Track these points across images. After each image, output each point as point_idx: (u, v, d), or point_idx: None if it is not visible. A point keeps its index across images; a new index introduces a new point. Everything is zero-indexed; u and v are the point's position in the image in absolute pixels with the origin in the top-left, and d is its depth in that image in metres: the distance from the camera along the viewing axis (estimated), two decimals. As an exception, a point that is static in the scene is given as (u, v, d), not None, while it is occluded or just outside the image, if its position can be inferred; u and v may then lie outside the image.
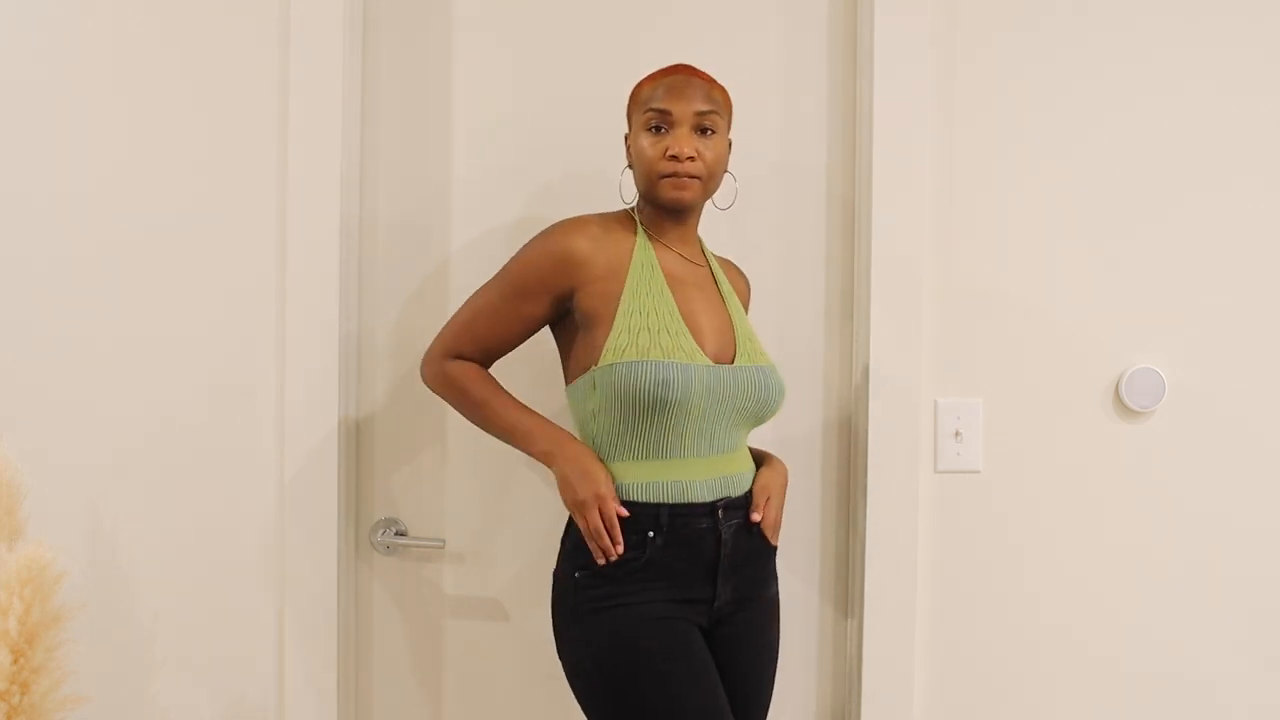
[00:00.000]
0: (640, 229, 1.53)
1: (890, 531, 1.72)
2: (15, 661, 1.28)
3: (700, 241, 1.60)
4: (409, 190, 1.87)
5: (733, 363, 1.49)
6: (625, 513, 1.41)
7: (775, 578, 1.58)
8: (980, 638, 1.75)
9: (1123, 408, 1.72)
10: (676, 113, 1.46)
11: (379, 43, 1.86)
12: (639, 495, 1.44)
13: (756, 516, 1.48)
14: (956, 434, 1.73)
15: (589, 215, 1.54)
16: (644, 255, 1.50)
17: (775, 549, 1.55)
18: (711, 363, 1.46)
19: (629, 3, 1.82)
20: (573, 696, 1.59)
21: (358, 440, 1.87)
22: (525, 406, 1.52)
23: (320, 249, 1.79)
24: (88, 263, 1.84)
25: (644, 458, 1.45)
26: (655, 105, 1.48)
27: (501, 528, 1.85)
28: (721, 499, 1.47)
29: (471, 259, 1.85)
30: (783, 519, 1.56)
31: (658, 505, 1.43)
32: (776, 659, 1.58)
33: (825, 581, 1.81)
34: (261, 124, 1.81)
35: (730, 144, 1.55)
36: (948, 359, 1.74)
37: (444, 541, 1.84)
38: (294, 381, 1.79)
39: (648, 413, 1.41)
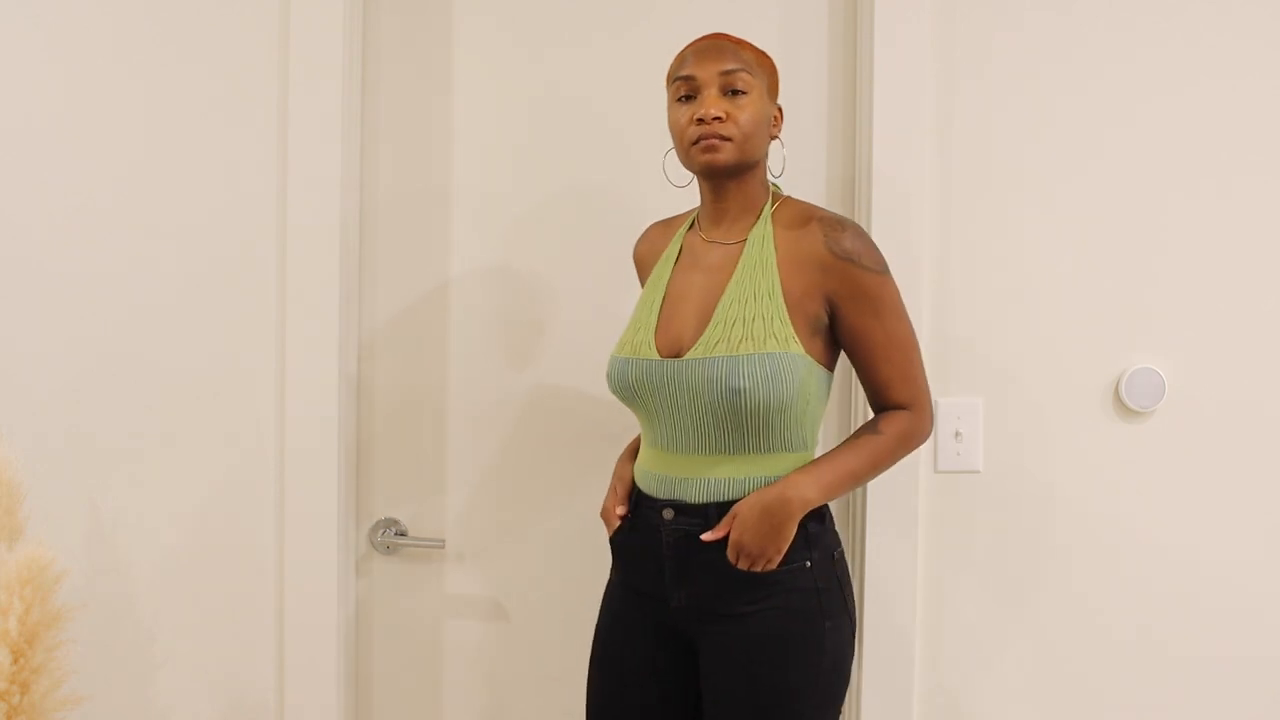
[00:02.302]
0: (692, 219, 1.55)
1: (890, 531, 1.72)
2: (15, 661, 1.28)
3: (766, 213, 1.46)
4: (409, 189, 1.87)
5: (682, 355, 1.41)
6: (622, 510, 1.50)
7: (778, 609, 1.39)
8: (980, 637, 1.75)
9: (1123, 408, 1.72)
10: (701, 76, 1.41)
11: (379, 42, 1.87)
12: (637, 476, 1.51)
13: (706, 536, 1.39)
14: (956, 434, 1.73)
15: (662, 220, 1.62)
16: (671, 248, 1.53)
17: (759, 575, 1.38)
18: (659, 356, 1.43)
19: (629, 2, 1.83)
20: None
21: (358, 440, 1.87)
22: (631, 451, 1.59)
23: (320, 249, 1.79)
24: (87, 263, 1.84)
25: (644, 443, 1.51)
26: (680, 74, 1.43)
27: (501, 528, 1.85)
28: (670, 500, 1.43)
29: (472, 257, 1.85)
30: (775, 548, 1.37)
31: (634, 490, 1.50)
32: (770, 695, 1.38)
33: (825, 581, 1.81)
34: (261, 124, 1.81)
35: (781, 111, 1.50)
36: (948, 359, 1.74)
37: (444, 541, 1.84)
38: (294, 382, 1.80)
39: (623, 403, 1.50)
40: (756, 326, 1.38)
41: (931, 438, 1.73)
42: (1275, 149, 1.70)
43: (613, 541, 1.51)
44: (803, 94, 1.80)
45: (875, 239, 1.70)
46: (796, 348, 1.38)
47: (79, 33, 1.83)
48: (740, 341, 1.37)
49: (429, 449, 1.87)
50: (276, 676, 1.83)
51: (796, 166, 1.80)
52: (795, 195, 1.79)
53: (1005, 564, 1.74)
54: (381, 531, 1.87)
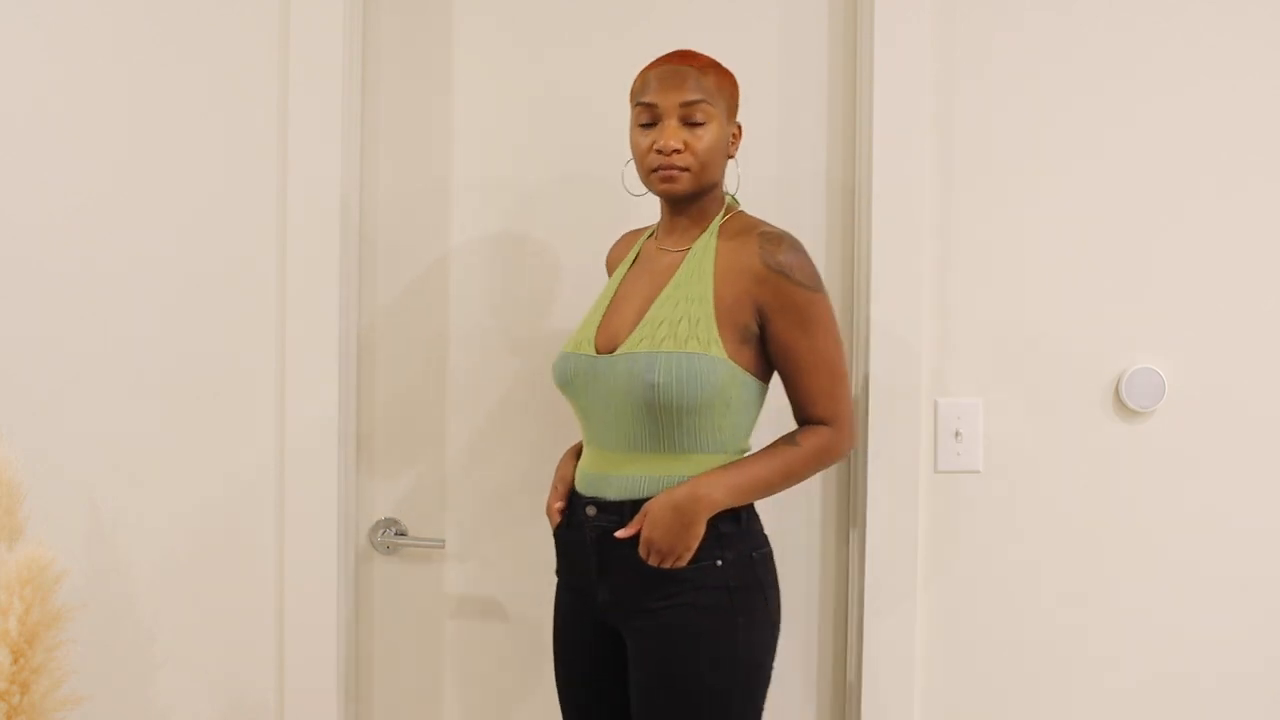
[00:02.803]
0: (654, 228, 1.60)
1: (890, 531, 1.72)
2: (15, 661, 1.28)
3: (715, 225, 1.50)
4: (409, 189, 1.87)
5: (613, 352, 1.46)
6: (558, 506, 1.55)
7: (687, 605, 1.42)
8: (980, 637, 1.75)
9: (1123, 408, 1.72)
10: (663, 105, 1.45)
11: (379, 42, 1.87)
12: (575, 474, 1.55)
13: (619, 533, 1.43)
14: (956, 434, 1.73)
15: (634, 229, 1.67)
16: (631, 254, 1.60)
17: (670, 572, 1.41)
18: (594, 353, 1.48)
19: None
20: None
21: (358, 440, 1.87)
22: (575, 450, 1.62)
23: (320, 249, 1.79)
24: (87, 263, 1.84)
25: (583, 441, 1.56)
26: (643, 100, 1.47)
27: (501, 528, 1.85)
28: (594, 497, 1.47)
29: (472, 258, 1.85)
30: (684, 545, 1.39)
31: (573, 488, 1.54)
32: (680, 692, 1.41)
33: (825, 582, 1.81)
34: (261, 124, 1.81)
35: (740, 129, 1.54)
36: (948, 359, 1.74)
37: (444, 541, 1.84)
38: (294, 381, 1.80)
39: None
40: (682, 328, 1.42)
41: (932, 438, 1.73)
42: (1276, 149, 1.70)
43: (555, 539, 1.56)
44: (803, 94, 1.80)
45: (875, 239, 1.71)
46: (718, 351, 1.41)
47: (79, 33, 1.83)
48: (663, 340, 1.42)
49: (429, 449, 1.87)
50: (276, 676, 1.83)
51: (796, 166, 1.80)
52: (796, 194, 1.80)
53: (1005, 564, 1.74)
54: (381, 531, 1.87)
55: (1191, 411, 1.72)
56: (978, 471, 1.74)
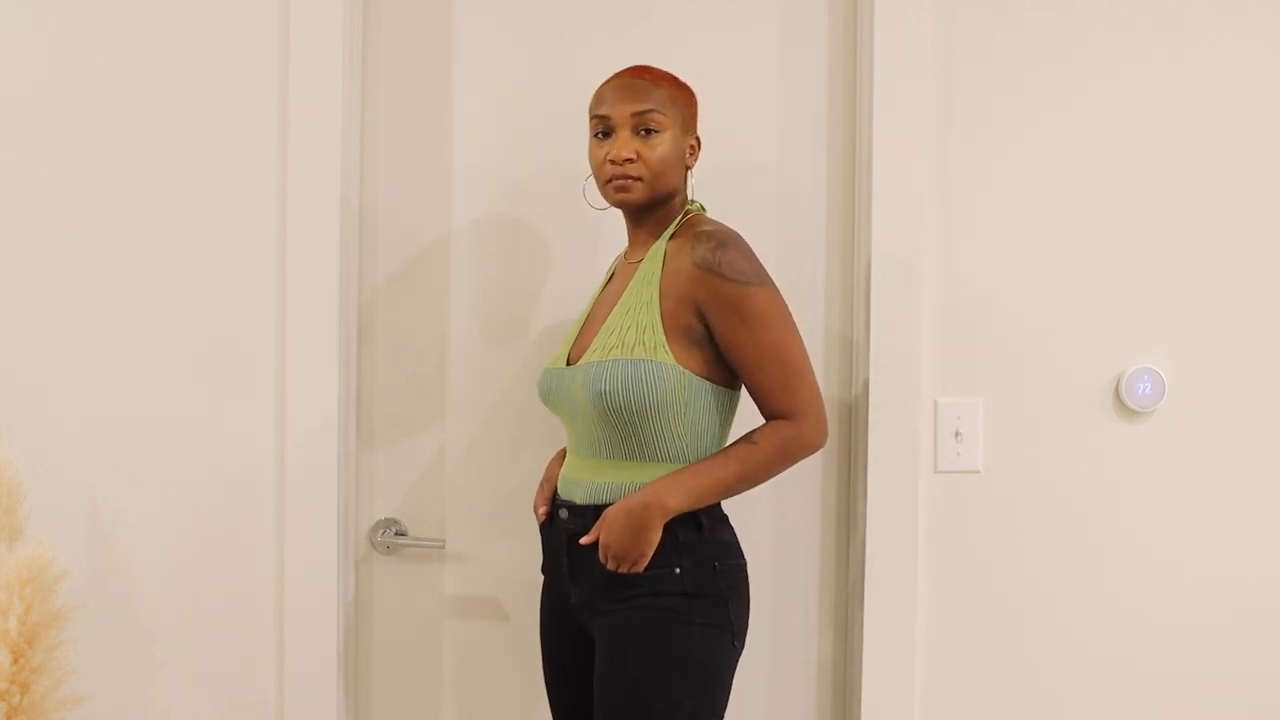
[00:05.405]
0: None
1: (890, 531, 1.72)
2: (15, 661, 1.28)
3: (669, 232, 1.51)
4: (409, 189, 1.87)
5: (574, 363, 1.51)
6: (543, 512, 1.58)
7: (641, 607, 1.42)
8: (980, 638, 1.75)
9: (1123, 408, 1.72)
10: (614, 117, 1.48)
11: (379, 42, 1.87)
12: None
13: (582, 539, 1.45)
14: (956, 434, 1.73)
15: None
16: (609, 271, 1.64)
17: (627, 576, 1.42)
18: (565, 366, 1.52)
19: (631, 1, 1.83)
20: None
21: (358, 441, 1.87)
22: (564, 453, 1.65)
23: (320, 249, 1.79)
24: (87, 263, 1.84)
25: None
26: (596, 112, 1.51)
27: (501, 528, 1.85)
28: (566, 501, 1.51)
29: (472, 258, 1.85)
30: (638, 550, 1.40)
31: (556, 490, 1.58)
32: (632, 690, 1.41)
33: (825, 582, 1.81)
34: (261, 124, 1.81)
35: (699, 141, 1.55)
36: (948, 359, 1.74)
37: (444, 541, 1.84)
38: (294, 381, 1.80)
39: None
40: (630, 335, 1.44)
41: (932, 438, 1.73)
42: (1276, 149, 1.70)
43: (541, 537, 1.59)
44: (803, 94, 1.80)
45: (875, 240, 1.71)
46: (665, 357, 1.42)
47: (79, 33, 1.83)
48: (612, 349, 1.44)
49: (429, 449, 1.87)
50: (276, 676, 1.83)
51: (796, 166, 1.80)
52: (796, 194, 1.80)
53: (1005, 564, 1.74)
54: (381, 531, 1.87)
55: (1191, 411, 1.72)
56: (978, 471, 1.74)
